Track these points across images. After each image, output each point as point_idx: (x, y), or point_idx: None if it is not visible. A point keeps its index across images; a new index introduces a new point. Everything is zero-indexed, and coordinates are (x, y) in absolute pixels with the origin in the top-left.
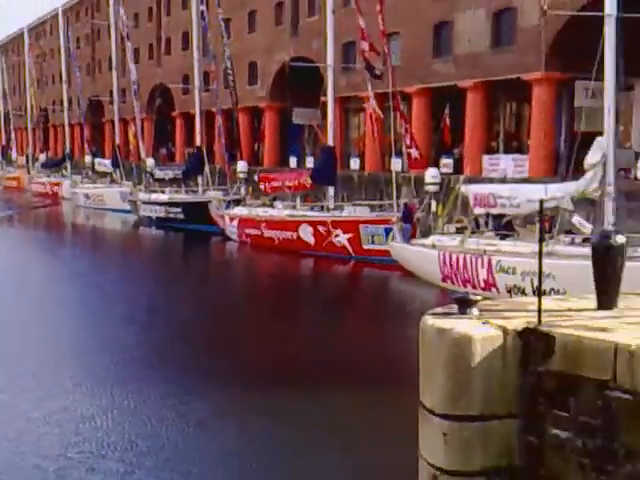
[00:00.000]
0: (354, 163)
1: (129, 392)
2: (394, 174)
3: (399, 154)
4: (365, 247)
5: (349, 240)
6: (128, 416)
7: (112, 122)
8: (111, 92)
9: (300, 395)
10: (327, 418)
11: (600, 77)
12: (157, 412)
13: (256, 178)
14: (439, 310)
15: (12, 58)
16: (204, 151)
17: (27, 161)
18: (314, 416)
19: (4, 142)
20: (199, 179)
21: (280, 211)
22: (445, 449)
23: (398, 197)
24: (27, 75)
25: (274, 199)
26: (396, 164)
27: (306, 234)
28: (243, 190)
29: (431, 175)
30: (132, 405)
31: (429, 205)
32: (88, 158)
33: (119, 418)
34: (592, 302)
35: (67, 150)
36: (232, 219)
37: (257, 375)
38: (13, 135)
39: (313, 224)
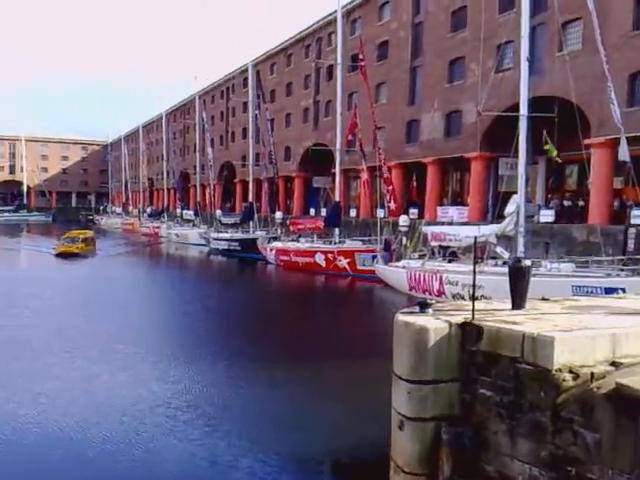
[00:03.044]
0: (353, 212)
1: (206, 363)
2: (378, 219)
3: (382, 206)
4: (359, 268)
5: (348, 263)
6: (207, 379)
7: (195, 186)
8: (195, 167)
9: (315, 362)
10: (331, 380)
11: (516, 155)
12: (224, 376)
13: (288, 222)
14: (406, 310)
15: (131, 145)
16: (254, 205)
17: (139, 212)
18: (322, 378)
19: (124, 200)
20: (250, 223)
21: (303, 244)
22: (409, 402)
23: (381, 234)
24: (140, 156)
25: (299, 236)
26: (380, 213)
27: (320, 259)
28: (279, 230)
29: (403, 220)
30: (212, 372)
31: (401, 240)
32: (178, 210)
33: (200, 382)
34: (508, 304)
35: (165, 205)
36: (271, 250)
37: (290, 351)
38: (130, 195)
39: (324, 252)
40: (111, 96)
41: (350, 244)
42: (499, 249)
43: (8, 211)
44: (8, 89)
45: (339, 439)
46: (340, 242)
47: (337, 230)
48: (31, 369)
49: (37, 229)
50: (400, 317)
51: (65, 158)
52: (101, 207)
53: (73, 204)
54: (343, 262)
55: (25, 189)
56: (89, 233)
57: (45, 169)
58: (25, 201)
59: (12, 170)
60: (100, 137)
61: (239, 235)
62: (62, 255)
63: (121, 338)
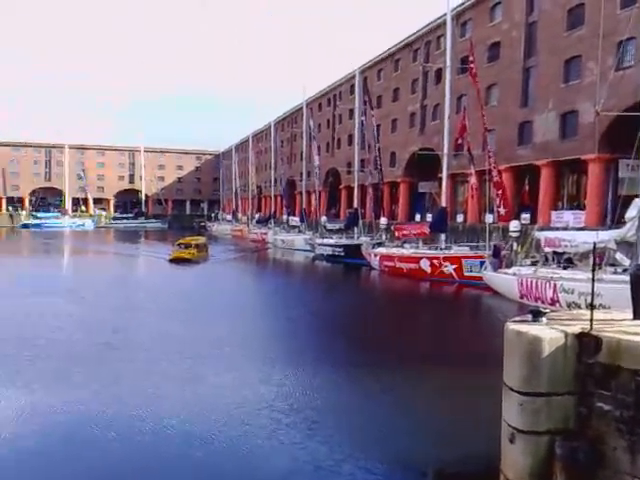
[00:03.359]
0: (459, 218)
1: (310, 367)
2: (487, 225)
3: (491, 211)
4: (466, 274)
5: (454, 270)
6: (313, 380)
7: (301, 193)
8: (301, 174)
9: (420, 370)
10: (437, 387)
11: (638, 157)
12: (327, 380)
13: (392, 228)
14: (518, 318)
15: (241, 154)
16: (359, 211)
17: (247, 219)
18: (428, 385)
19: (234, 207)
20: (355, 229)
21: (408, 250)
22: (520, 415)
23: (490, 240)
24: (250, 164)
25: (404, 242)
26: (489, 218)
27: (425, 265)
28: (383, 236)
29: (514, 225)
30: (318, 372)
31: (512, 246)
32: (285, 217)
33: (306, 382)
34: (629, 314)
35: (272, 212)
36: (375, 255)
37: (394, 358)
38: (240, 203)
39: (430, 258)
40: (223, 107)
41: (457, 250)
42: (619, 256)
43: (128, 218)
44: (127, 102)
45: (445, 448)
46: (446, 248)
47: (443, 236)
48: (144, 369)
49: (154, 235)
50: (511, 326)
51: (180, 167)
52: (212, 214)
53: (187, 211)
54: (449, 268)
55: (143, 197)
56: (202, 239)
57: (162, 178)
58: (143, 209)
59: (131, 179)
60: (212, 147)
61: (343, 241)
62: (175, 261)
63: (228, 341)
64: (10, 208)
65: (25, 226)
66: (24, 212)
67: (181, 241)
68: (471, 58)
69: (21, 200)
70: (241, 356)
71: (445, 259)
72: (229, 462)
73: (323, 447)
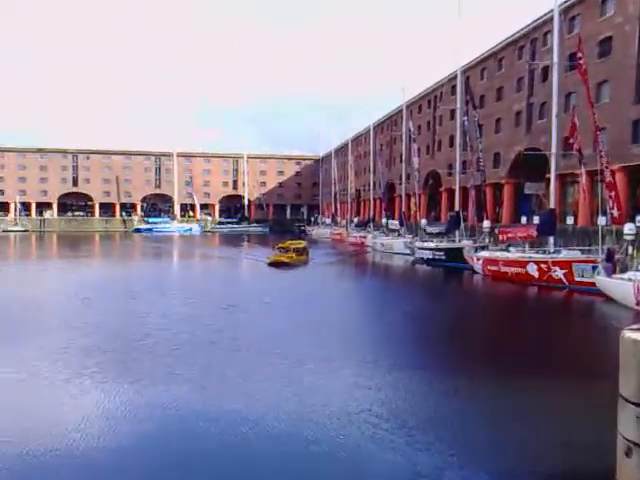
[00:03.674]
0: (569, 220)
1: (408, 373)
2: (600, 227)
3: (604, 213)
4: (577, 279)
5: (564, 274)
6: (413, 387)
7: (400, 196)
8: (401, 177)
9: (525, 378)
10: (543, 397)
11: None
12: (426, 386)
13: (496, 231)
14: (635, 326)
15: (340, 158)
16: (461, 214)
17: (346, 222)
18: (533, 395)
19: (333, 211)
20: (456, 232)
21: (513, 254)
22: (638, 428)
23: (603, 244)
24: (349, 168)
25: (509, 245)
26: (601, 220)
27: (532, 270)
28: (487, 239)
29: (628, 228)
30: (422, 377)
31: (627, 249)
32: (384, 220)
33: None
34: None
35: (371, 215)
36: (478, 259)
37: (498, 365)
38: (339, 207)
39: (537, 263)
40: (322, 110)
41: (567, 254)
42: None
43: (232, 223)
44: (233, 109)
45: (555, 461)
46: (555, 252)
47: (552, 239)
48: (247, 368)
49: (256, 239)
50: (627, 334)
51: (281, 173)
52: (312, 218)
53: (288, 216)
54: (559, 273)
55: (246, 202)
56: (302, 243)
57: (263, 183)
58: (246, 213)
59: (235, 185)
60: (312, 152)
61: (445, 244)
62: (274, 264)
63: (327, 343)
64: (124, 214)
65: (137, 230)
66: (136, 217)
67: (281, 245)
68: (580, 54)
69: (133, 206)
70: (340, 358)
71: (554, 263)
72: (326, 465)
73: (423, 454)
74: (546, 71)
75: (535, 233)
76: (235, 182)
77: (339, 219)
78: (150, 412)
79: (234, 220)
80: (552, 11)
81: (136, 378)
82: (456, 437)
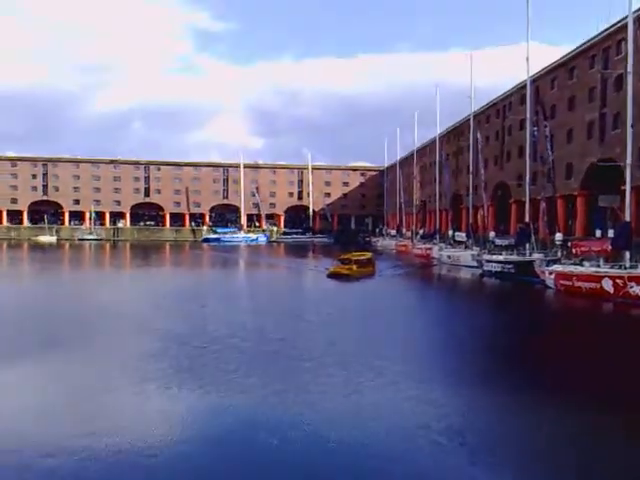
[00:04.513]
0: None
1: (469, 388)
2: None
3: None
4: None
5: None
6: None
7: (467, 208)
8: (467, 188)
9: (604, 401)
10: (624, 422)
11: None
12: (488, 403)
13: (569, 244)
14: None
15: (405, 169)
16: (531, 226)
17: (412, 234)
18: (610, 418)
19: (398, 222)
20: (527, 245)
21: (587, 268)
22: None
23: None
24: (414, 179)
25: (582, 259)
26: None
27: (607, 285)
28: (559, 253)
29: None
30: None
31: None
32: (450, 232)
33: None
34: None
35: (436, 227)
36: (551, 273)
37: (571, 386)
38: (404, 218)
39: (613, 278)
40: (388, 122)
41: None
42: None
43: (297, 233)
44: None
45: None
46: (632, 267)
47: (628, 253)
48: (308, 378)
49: (320, 250)
50: None
51: (346, 184)
52: (377, 229)
53: (352, 226)
54: (636, 289)
55: (311, 213)
56: (367, 255)
57: (328, 194)
58: (310, 224)
59: (300, 196)
60: (377, 163)
61: (514, 257)
62: (333, 276)
63: (389, 355)
64: (193, 224)
65: (206, 240)
66: (205, 227)
67: (342, 256)
68: None
69: (202, 216)
70: (401, 372)
71: (630, 279)
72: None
73: (485, 475)
74: (620, 80)
75: (610, 247)
76: (300, 193)
77: (404, 230)
78: (210, 419)
79: (299, 230)
80: (626, 18)
81: (199, 385)
82: (520, 459)
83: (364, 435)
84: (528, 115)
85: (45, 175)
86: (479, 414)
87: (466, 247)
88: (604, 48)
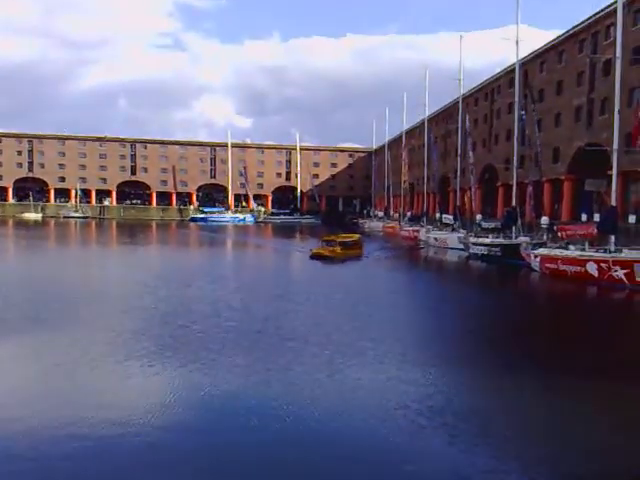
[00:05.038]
0: (631, 218)
1: (459, 370)
2: None
3: None
4: (638, 280)
5: (625, 274)
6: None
7: (454, 191)
8: (455, 171)
9: (586, 381)
10: (606, 399)
11: None
12: (475, 383)
13: (555, 228)
14: None
15: (393, 151)
16: (517, 209)
17: (399, 216)
18: (593, 396)
19: (386, 204)
20: (513, 229)
21: (572, 252)
22: None
23: None
24: (402, 162)
25: (568, 243)
26: None
27: (592, 269)
28: (545, 236)
29: None
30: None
31: None
32: (437, 214)
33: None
34: None
35: (424, 209)
36: (536, 256)
37: (556, 365)
38: (392, 200)
39: (597, 262)
40: (376, 103)
41: (628, 253)
42: None
43: (284, 214)
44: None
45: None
46: (616, 251)
47: (613, 237)
48: (291, 358)
49: (308, 231)
50: None
51: (334, 165)
52: (364, 211)
53: (340, 208)
54: (619, 273)
55: (298, 194)
56: (355, 237)
57: (316, 175)
58: (298, 205)
59: (288, 177)
60: (365, 144)
61: (500, 240)
62: (315, 257)
63: (374, 335)
64: (180, 203)
65: (193, 220)
66: (192, 207)
67: (327, 238)
68: None
69: (189, 195)
70: (385, 353)
71: (615, 263)
72: (364, 460)
73: (464, 456)
74: (608, 65)
75: (595, 231)
76: (288, 173)
77: (392, 212)
78: (191, 398)
79: (287, 211)
80: (616, 3)
81: (182, 363)
82: (502, 440)
83: (344, 415)
84: (517, 98)
85: (30, 152)
86: (460, 395)
87: (453, 229)
88: (593, 33)
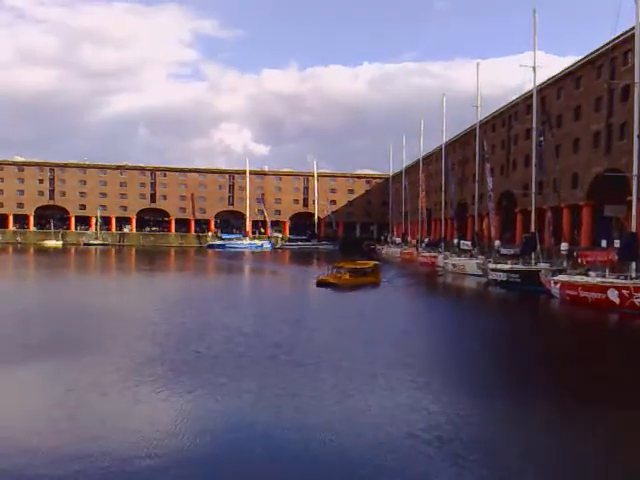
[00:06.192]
0: None
1: (477, 397)
2: None
3: None
4: None
5: None
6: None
7: (472, 217)
8: (473, 197)
9: (601, 412)
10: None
11: None
12: (487, 413)
13: (575, 255)
14: None
15: (410, 177)
16: (537, 236)
17: (417, 242)
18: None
19: (403, 230)
20: (532, 255)
21: (593, 278)
22: None
23: None
24: (419, 188)
25: (588, 270)
26: None
27: (613, 296)
28: (564, 263)
29: None
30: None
31: None
32: (455, 240)
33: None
34: None
35: (442, 235)
36: (556, 283)
37: (574, 397)
38: (409, 226)
39: (619, 288)
40: (393, 129)
41: None
42: None
43: (302, 240)
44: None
45: None
46: (638, 277)
47: (634, 264)
48: (302, 383)
49: (325, 257)
50: None
51: (351, 191)
52: (382, 237)
53: (357, 234)
54: None
55: (316, 220)
56: (370, 264)
57: (333, 201)
58: (315, 231)
59: (305, 203)
60: (382, 171)
61: (520, 267)
62: (322, 284)
63: (387, 361)
64: (198, 230)
65: (211, 246)
66: (210, 233)
67: (336, 264)
68: None
69: (207, 222)
70: (399, 380)
71: (637, 289)
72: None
73: None
74: (627, 90)
75: (616, 258)
76: (305, 200)
77: (409, 238)
78: (201, 423)
79: (304, 237)
80: (633, 29)
81: (192, 388)
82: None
83: (352, 441)
84: (534, 124)
85: (52, 180)
86: (471, 425)
87: (471, 256)
88: (611, 58)
